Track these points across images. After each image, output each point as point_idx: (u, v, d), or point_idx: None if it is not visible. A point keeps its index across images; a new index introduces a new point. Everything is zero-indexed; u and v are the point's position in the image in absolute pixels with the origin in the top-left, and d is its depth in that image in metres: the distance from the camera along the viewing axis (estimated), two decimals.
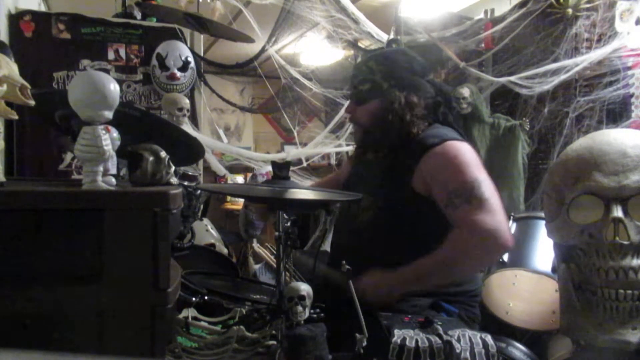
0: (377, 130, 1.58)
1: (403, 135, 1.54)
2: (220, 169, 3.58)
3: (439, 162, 1.47)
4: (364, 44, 3.35)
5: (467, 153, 1.48)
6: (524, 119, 3.04)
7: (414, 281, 1.41)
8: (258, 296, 1.46)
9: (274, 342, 1.12)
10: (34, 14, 2.94)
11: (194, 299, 1.26)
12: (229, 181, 3.76)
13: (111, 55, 3.13)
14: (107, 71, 2.98)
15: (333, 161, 4.76)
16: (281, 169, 1.28)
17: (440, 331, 1.06)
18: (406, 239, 1.47)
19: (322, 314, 1.11)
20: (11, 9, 2.86)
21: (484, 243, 1.39)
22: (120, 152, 1.06)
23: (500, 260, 1.84)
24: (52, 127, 1.26)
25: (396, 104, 1.53)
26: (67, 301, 0.82)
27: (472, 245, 1.39)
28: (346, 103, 1.73)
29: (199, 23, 2.33)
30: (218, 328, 1.18)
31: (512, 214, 2.08)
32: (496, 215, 1.39)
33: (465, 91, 3.11)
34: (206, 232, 2.49)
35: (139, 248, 0.84)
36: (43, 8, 3.73)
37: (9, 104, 0.92)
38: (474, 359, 0.99)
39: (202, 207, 2.57)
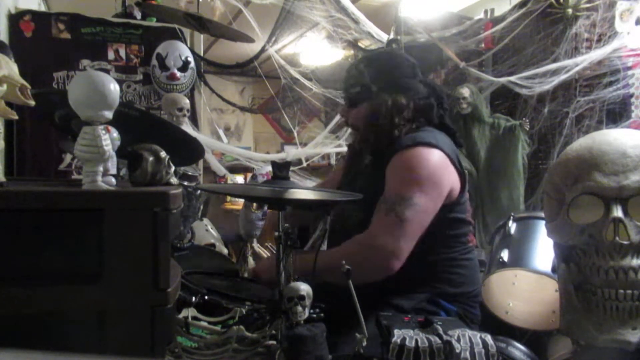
0: (368, 132, 1.57)
1: (389, 138, 1.52)
2: (220, 169, 3.58)
3: (397, 164, 1.46)
4: (364, 44, 3.35)
5: (428, 166, 1.43)
6: (524, 119, 3.04)
7: (318, 268, 1.28)
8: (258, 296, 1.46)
9: (274, 342, 1.12)
10: (34, 14, 2.94)
11: (194, 299, 1.26)
12: (229, 181, 3.75)
13: (111, 55, 3.13)
14: (107, 71, 2.98)
15: (333, 161, 4.75)
16: (281, 169, 1.27)
17: (440, 331, 1.06)
18: None
19: (322, 314, 1.11)
20: (11, 9, 2.86)
21: (375, 257, 1.38)
22: (120, 152, 1.06)
23: (501, 260, 1.84)
24: (52, 127, 1.26)
25: (384, 106, 1.52)
26: (67, 301, 0.82)
27: (364, 253, 1.38)
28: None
29: (199, 23, 2.33)
30: (218, 328, 1.18)
31: (512, 214, 2.07)
32: (404, 239, 1.37)
33: (465, 91, 3.11)
34: (206, 232, 2.49)
35: (139, 248, 0.84)
36: (43, 8, 3.73)
37: (9, 104, 0.92)
38: (473, 359, 0.99)
39: (202, 207, 2.57)
